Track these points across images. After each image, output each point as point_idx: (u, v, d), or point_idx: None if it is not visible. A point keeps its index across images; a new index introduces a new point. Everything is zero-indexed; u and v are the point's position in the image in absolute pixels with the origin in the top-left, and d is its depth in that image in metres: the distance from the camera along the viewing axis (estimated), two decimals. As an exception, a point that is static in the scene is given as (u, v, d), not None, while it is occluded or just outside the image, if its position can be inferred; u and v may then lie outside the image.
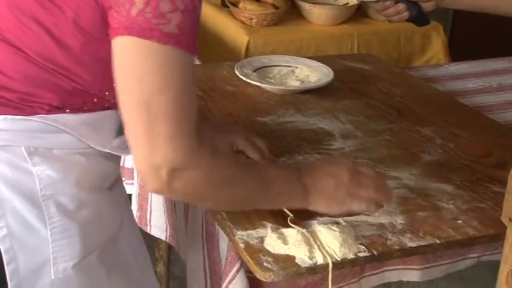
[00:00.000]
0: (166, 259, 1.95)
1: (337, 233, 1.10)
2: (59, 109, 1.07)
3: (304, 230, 1.12)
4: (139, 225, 1.52)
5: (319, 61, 1.85)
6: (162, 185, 0.99)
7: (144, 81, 0.95)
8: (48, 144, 1.07)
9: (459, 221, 1.21)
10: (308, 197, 1.14)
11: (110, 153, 1.14)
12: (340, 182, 1.15)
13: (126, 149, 1.13)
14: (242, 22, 2.59)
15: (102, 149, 1.12)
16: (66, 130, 1.07)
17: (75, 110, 1.08)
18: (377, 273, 1.28)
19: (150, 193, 1.51)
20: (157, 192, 1.04)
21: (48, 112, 1.06)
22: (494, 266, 1.14)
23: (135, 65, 0.96)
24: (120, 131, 1.13)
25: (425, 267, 1.30)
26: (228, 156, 1.14)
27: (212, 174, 1.04)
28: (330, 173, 1.16)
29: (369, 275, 1.27)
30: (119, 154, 1.16)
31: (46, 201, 1.07)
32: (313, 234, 1.11)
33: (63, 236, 1.08)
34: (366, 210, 1.17)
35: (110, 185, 1.19)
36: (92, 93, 1.08)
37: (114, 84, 1.06)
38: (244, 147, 1.34)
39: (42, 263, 1.07)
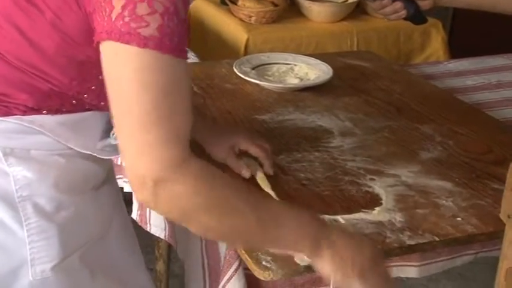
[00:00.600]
0: (166, 257, 1.95)
1: (336, 231, 1.10)
2: (35, 110, 1.05)
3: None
4: (139, 223, 1.52)
5: (318, 59, 1.85)
6: (149, 196, 0.93)
7: (124, 86, 0.92)
8: (25, 145, 1.06)
9: (458, 218, 1.20)
10: (320, 252, 1.00)
11: (91, 154, 1.11)
12: (358, 261, 1.02)
13: (112, 151, 1.11)
14: (241, 20, 2.59)
15: (84, 151, 1.09)
16: (43, 131, 1.05)
17: (52, 111, 1.06)
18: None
19: (149, 191, 1.50)
20: (145, 203, 0.97)
21: (24, 113, 1.05)
22: (493, 264, 1.14)
23: (117, 70, 0.93)
24: (106, 132, 1.11)
25: (423, 264, 1.30)
26: (227, 179, 1.00)
27: (199, 192, 0.94)
28: (354, 246, 1.04)
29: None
30: (103, 157, 1.12)
31: (22, 203, 1.05)
32: (312, 233, 1.11)
33: (40, 237, 1.06)
34: None
35: (95, 185, 1.16)
36: (70, 95, 1.06)
37: (92, 87, 1.05)
38: (247, 146, 1.31)
39: (20, 264, 1.06)
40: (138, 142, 0.92)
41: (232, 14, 2.63)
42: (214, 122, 1.49)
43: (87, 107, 1.09)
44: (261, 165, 1.30)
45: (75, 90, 1.05)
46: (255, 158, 1.31)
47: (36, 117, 1.05)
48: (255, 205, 0.98)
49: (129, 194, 1.54)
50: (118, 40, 0.91)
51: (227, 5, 2.65)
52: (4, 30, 1.02)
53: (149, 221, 1.51)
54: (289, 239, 1.00)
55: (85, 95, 1.06)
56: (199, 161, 0.96)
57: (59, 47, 1.01)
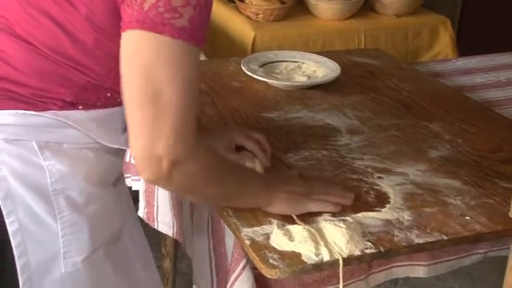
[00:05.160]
0: (173, 255, 1.95)
1: (344, 229, 1.10)
2: (72, 105, 1.08)
3: (310, 227, 1.11)
4: (147, 221, 1.52)
5: (326, 56, 1.84)
6: (161, 175, 1.01)
7: (155, 74, 0.97)
8: (58, 139, 1.08)
9: (467, 217, 1.20)
10: (272, 199, 1.16)
11: (114, 148, 1.14)
12: (298, 188, 1.19)
13: None
14: (248, 17, 2.58)
15: (110, 145, 1.13)
16: (76, 126, 1.08)
17: (88, 105, 1.09)
18: (384, 269, 1.27)
19: (156, 189, 1.51)
20: (154, 182, 1.06)
21: (61, 108, 1.07)
22: (501, 263, 1.13)
23: (147, 58, 0.97)
24: (126, 127, 1.14)
25: (432, 263, 1.29)
26: (217, 154, 1.19)
27: (207, 168, 1.07)
28: (288, 180, 1.22)
29: (377, 272, 1.27)
30: (127, 148, 1.16)
31: (56, 196, 1.07)
32: (320, 231, 1.11)
33: (72, 230, 1.08)
34: (322, 210, 1.17)
35: (114, 180, 1.19)
36: (106, 87, 1.09)
37: None
38: (243, 141, 1.34)
39: (53, 257, 1.08)
40: (163, 126, 0.98)
41: (239, 11, 2.63)
42: (209, 125, 1.49)
43: (119, 100, 1.11)
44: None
45: (111, 81, 1.08)
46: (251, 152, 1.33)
47: (71, 112, 1.08)
48: (234, 173, 1.15)
49: (136, 193, 1.54)
50: (151, 30, 0.95)
51: (234, 2, 2.64)
52: (42, 24, 1.04)
53: (157, 218, 1.51)
54: (252, 197, 1.16)
55: (120, 86, 1.07)
56: (202, 141, 1.06)
57: (96, 40, 1.03)
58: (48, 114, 1.06)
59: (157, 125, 0.98)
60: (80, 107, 1.08)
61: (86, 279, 1.11)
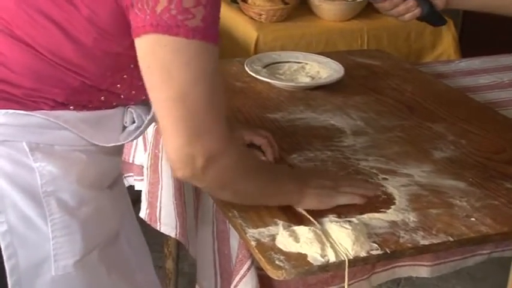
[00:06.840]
0: (175, 255, 1.95)
1: (350, 230, 1.10)
2: (63, 105, 1.07)
3: (316, 228, 1.11)
4: (148, 222, 1.52)
5: (329, 57, 1.84)
6: (196, 172, 1.01)
7: (175, 76, 0.97)
8: (49, 140, 1.07)
9: (472, 219, 1.19)
10: (302, 196, 1.17)
11: (111, 149, 1.13)
12: (327, 183, 1.21)
13: (131, 136, 1.15)
14: (251, 18, 2.59)
15: (107, 144, 1.12)
16: (67, 127, 1.07)
17: (79, 107, 1.08)
18: (387, 269, 1.27)
19: (160, 190, 1.50)
20: (189, 179, 1.06)
21: (52, 108, 1.06)
22: (503, 264, 1.13)
23: (165, 62, 0.97)
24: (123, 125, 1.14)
25: (435, 264, 1.29)
26: (248, 149, 1.20)
27: (240, 162, 1.08)
28: (317, 176, 1.24)
29: (379, 272, 1.27)
30: (127, 142, 1.17)
31: (47, 198, 1.06)
32: (325, 232, 1.11)
33: (64, 233, 1.07)
34: (350, 202, 1.20)
35: (111, 183, 1.18)
36: (103, 88, 1.08)
37: (124, 76, 1.07)
38: (252, 137, 1.35)
39: (43, 259, 1.07)
40: (193, 125, 0.99)
41: (242, 12, 2.63)
42: None
43: (115, 104, 1.10)
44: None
45: (108, 81, 1.07)
46: (259, 148, 1.35)
47: (62, 112, 1.07)
48: (266, 170, 1.18)
49: (137, 193, 1.54)
50: (166, 33, 0.95)
51: (237, 2, 2.64)
52: (40, 25, 1.03)
53: (159, 219, 1.51)
54: (285, 194, 1.17)
55: (118, 85, 1.08)
56: (234, 135, 1.08)
57: (96, 41, 1.03)
58: (38, 113, 1.05)
59: (189, 125, 0.99)
60: (71, 108, 1.07)
61: (78, 282, 1.10)
